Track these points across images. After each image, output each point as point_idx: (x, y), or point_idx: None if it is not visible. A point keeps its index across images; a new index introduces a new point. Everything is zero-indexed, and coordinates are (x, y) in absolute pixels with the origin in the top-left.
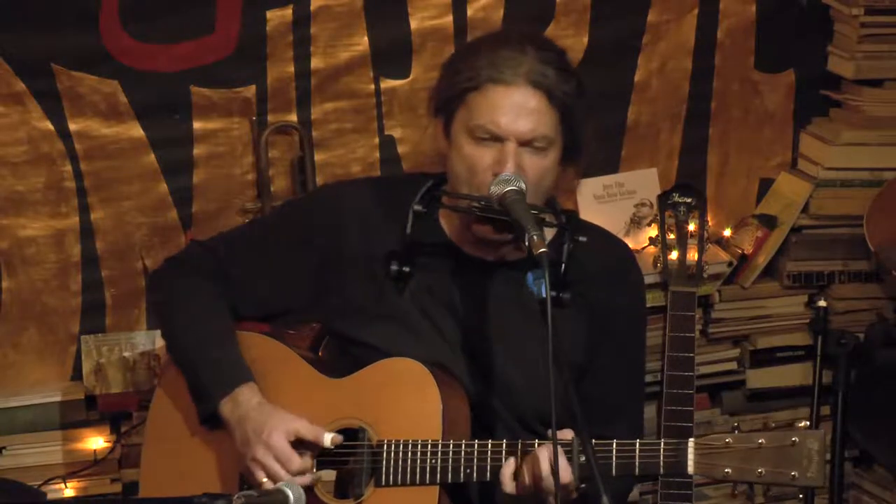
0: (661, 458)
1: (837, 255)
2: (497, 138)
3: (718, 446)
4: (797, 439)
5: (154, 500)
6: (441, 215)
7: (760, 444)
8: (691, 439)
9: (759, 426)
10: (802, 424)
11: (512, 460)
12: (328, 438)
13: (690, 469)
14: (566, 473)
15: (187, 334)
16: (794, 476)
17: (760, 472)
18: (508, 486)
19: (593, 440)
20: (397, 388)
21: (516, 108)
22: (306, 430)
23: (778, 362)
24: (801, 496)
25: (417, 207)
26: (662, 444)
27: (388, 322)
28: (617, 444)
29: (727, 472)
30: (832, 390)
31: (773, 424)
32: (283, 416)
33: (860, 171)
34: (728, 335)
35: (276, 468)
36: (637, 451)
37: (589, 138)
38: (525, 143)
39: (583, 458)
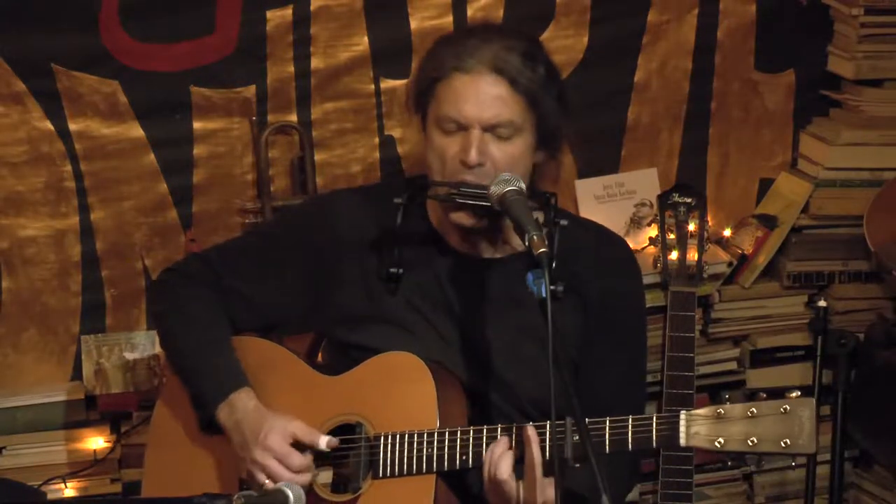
0: (654, 431)
1: (837, 255)
2: (462, 126)
3: (710, 417)
4: (788, 407)
5: (154, 500)
6: (429, 212)
7: (752, 413)
8: (683, 411)
9: None
10: (794, 394)
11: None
12: (324, 441)
13: (682, 441)
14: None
15: (185, 343)
16: (785, 444)
17: (752, 442)
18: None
19: (587, 419)
20: (393, 381)
21: (479, 94)
22: (302, 432)
23: (778, 362)
24: (793, 462)
25: (398, 200)
26: (655, 417)
27: (384, 324)
28: (610, 420)
29: (719, 443)
30: (832, 390)
31: (764, 395)
32: (279, 418)
33: (860, 171)
34: (728, 335)
35: (276, 467)
36: (630, 427)
37: (565, 127)
38: (489, 128)
39: (576, 438)
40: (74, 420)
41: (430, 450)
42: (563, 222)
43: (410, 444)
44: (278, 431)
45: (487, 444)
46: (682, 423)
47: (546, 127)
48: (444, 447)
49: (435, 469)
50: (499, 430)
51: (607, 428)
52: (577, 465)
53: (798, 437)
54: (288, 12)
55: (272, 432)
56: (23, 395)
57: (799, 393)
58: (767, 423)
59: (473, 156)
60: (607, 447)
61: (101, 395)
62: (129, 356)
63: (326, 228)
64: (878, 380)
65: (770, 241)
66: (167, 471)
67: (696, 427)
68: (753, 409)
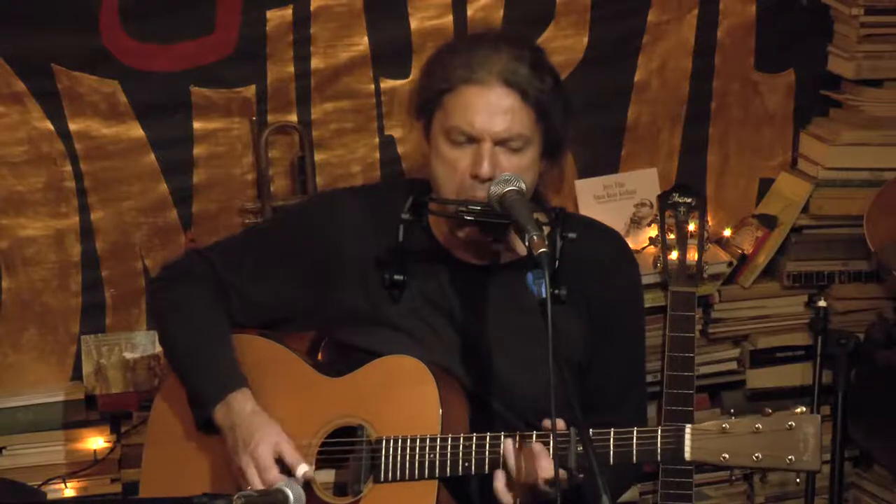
0: (659, 444)
1: (837, 255)
2: (473, 139)
3: (715, 432)
4: (793, 423)
5: (154, 500)
6: (431, 220)
7: (757, 428)
8: (688, 426)
9: None
10: (799, 410)
11: (501, 474)
12: (301, 470)
13: (687, 455)
14: (551, 470)
15: (183, 341)
16: (790, 460)
17: (757, 457)
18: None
19: (591, 430)
20: (395, 384)
21: (490, 107)
22: (288, 454)
23: (778, 362)
24: (798, 479)
25: (405, 216)
26: (660, 430)
27: (387, 328)
28: (615, 432)
29: (724, 458)
30: (832, 390)
31: (770, 410)
32: (272, 429)
33: (860, 171)
34: (728, 335)
35: (254, 478)
36: (635, 439)
37: (571, 136)
38: (501, 142)
39: (579, 449)
40: (74, 420)
41: (432, 456)
42: (572, 235)
43: (413, 449)
44: (268, 443)
45: (491, 452)
46: (688, 437)
47: (553, 136)
48: (446, 454)
49: (437, 475)
50: (502, 437)
51: (612, 440)
52: (581, 475)
53: (803, 454)
54: (288, 12)
55: (262, 442)
56: (23, 395)
57: (804, 409)
58: (772, 439)
59: (486, 169)
60: (611, 459)
61: (101, 395)
62: (129, 356)
63: (328, 228)
64: (878, 380)
65: (770, 241)
66: (165, 468)
67: (701, 442)
68: (759, 425)
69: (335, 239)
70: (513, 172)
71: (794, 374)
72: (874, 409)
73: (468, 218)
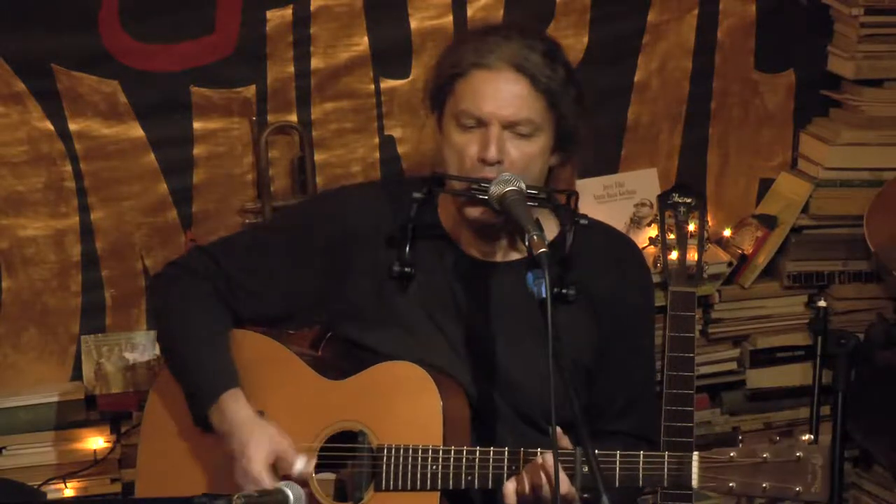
0: (665, 471)
1: (837, 255)
2: (482, 123)
3: (723, 460)
4: (801, 454)
5: (154, 500)
6: (441, 214)
7: (765, 458)
8: (696, 453)
9: (759, 426)
10: (806, 438)
11: (512, 480)
12: (298, 466)
13: (694, 483)
14: (565, 483)
15: (179, 339)
16: (798, 491)
17: (765, 487)
18: (511, 499)
19: (596, 451)
20: (398, 392)
21: (499, 91)
22: (284, 453)
23: (778, 362)
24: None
25: (417, 195)
26: (667, 457)
27: (391, 325)
28: (620, 455)
29: (731, 487)
30: (832, 390)
31: (777, 437)
32: (263, 437)
33: (860, 171)
34: (728, 335)
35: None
36: (641, 464)
37: (583, 129)
38: (509, 126)
39: (585, 469)
40: (74, 420)
41: (434, 467)
42: (584, 221)
43: (415, 458)
44: (261, 457)
45: (495, 466)
46: (695, 465)
47: (564, 128)
48: (449, 466)
49: (440, 487)
50: (506, 452)
51: (618, 462)
52: (586, 495)
53: (811, 486)
54: (288, 12)
55: (254, 459)
56: (23, 395)
57: (811, 437)
58: (780, 469)
59: (493, 152)
60: (617, 481)
61: (101, 395)
62: (129, 356)
63: (334, 224)
64: (878, 380)
65: (770, 241)
66: (161, 463)
67: (708, 470)
68: (766, 454)
69: (341, 235)
70: (520, 159)
71: (794, 374)
72: (874, 409)
73: (481, 197)
